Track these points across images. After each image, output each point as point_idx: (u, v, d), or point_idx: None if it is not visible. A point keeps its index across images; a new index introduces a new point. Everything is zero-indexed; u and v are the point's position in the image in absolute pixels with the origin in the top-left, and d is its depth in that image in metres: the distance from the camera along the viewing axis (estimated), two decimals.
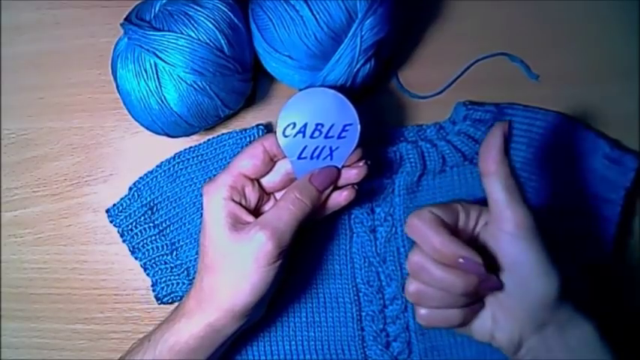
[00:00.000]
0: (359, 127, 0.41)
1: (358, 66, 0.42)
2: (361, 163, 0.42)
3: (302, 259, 0.47)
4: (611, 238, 0.46)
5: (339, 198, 0.43)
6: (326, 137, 0.41)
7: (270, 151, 0.42)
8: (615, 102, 0.48)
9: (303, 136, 0.41)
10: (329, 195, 0.42)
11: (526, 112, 0.47)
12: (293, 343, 0.48)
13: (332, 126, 0.41)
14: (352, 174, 0.42)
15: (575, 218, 0.46)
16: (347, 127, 0.41)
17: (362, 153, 0.42)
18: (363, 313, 0.47)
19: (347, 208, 0.47)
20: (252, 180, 0.42)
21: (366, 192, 0.47)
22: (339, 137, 0.41)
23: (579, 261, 0.46)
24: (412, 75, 0.50)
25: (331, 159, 0.42)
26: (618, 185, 0.46)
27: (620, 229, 0.46)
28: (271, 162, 0.43)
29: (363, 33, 0.41)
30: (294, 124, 0.41)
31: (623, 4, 0.48)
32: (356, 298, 0.47)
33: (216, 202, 0.41)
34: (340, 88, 0.42)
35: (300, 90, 0.42)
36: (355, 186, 0.43)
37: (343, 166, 0.42)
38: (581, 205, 0.46)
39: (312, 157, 0.42)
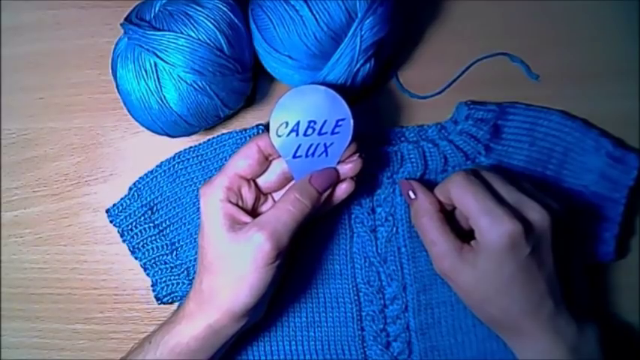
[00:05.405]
0: (352, 121, 0.41)
1: (358, 66, 0.42)
2: (355, 157, 0.42)
3: (302, 259, 0.47)
4: (614, 237, 0.46)
5: (339, 192, 0.42)
6: (319, 134, 0.41)
7: (265, 151, 0.42)
8: (615, 101, 0.48)
9: (297, 134, 0.41)
10: (330, 195, 0.42)
11: (528, 111, 0.47)
12: (293, 343, 0.48)
13: (325, 122, 0.41)
14: (347, 168, 0.42)
15: (578, 217, 0.46)
16: (340, 123, 0.41)
17: (357, 147, 0.42)
18: (364, 313, 0.47)
19: (347, 208, 0.47)
20: (248, 180, 0.42)
21: (367, 192, 0.47)
22: (332, 133, 0.41)
23: (582, 261, 0.46)
24: (412, 75, 0.50)
25: (326, 155, 0.42)
26: (621, 184, 0.46)
27: (622, 228, 0.46)
28: (266, 161, 0.43)
29: (362, 33, 0.41)
30: (287, 123, 0.41)
31: (623, 4, 0.48)
32: (356, 298, 0.47)
33: (213, 204, 0.41)
34: (340, 88, 0.42)
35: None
36: (354, 178, 0.43)
37: (339, 162, 0.42)
38: (584, 205, 0.46)
39: (307, 155, 0.42)
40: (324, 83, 0.43)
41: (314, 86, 0.41)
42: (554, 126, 0.46)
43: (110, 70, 0.45)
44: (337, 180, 0.42)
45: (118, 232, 0.49)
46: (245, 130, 0.48)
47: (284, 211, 0.40)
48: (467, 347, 0.46)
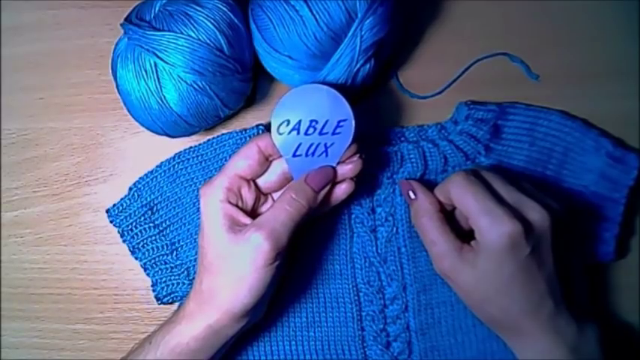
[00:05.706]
0: (353, 122, 0.41)
1: (358, 66, 0.42)
2: (355, 158, 0.42)
3: (302, 259, 0.47)
4: (614, 237, 0.46)
5: (338, 192, 0.42)
6: (320, 134, 0.41)
7: (265, 151, 0.42)
8: (615, 101, 0.48)
9: (298, 133, 0.41)
10: (328, 193, 0.42)
11: (528, 110, 0.47)
12: (293, 343, 0.48)
13: (326, 122, 0.41)
14: (347, 169, 0.42)
15: (578, 217, 0.46)
16: (341, 123, 0.41)
17: (357, 149, 0.42)
18: (364, 313, 0.47)
19: (347, 208, 0.47)
20: (248, 181, 0.42)
21: (367, 192, 0.47)
22: (333, 133, 0.41)
23: (581, 261, 0.46)
24: (412, 75, 0.50)
25: (326, 155, 0.42)
26: (621, 184, 0.46)
27: (622, 228, 0.46)
28: (266, 162, 0.43)
29: (362, 33, 0.41)
30: (288, 122, 0.41)
31: (623, 4, 0.48)
32: (356, 298, 0.47)
33: (213, 204, 0.41)
34: (340, 88, 0.42)
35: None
36: (354, 178, 0.42)
37: (339, 163, 0.42)
38: (584, 205, 0.46)
39: (307, 155, 0.42)
40: (324, 83, 0.43)
41: (317, 86, 0.41)
42: (554, 126, 0.46)
43: (110, 70, 0.45)
44: (334, 178, 0.42)
45: (118, 232, 0.49)
46: (245, 130, 0.48)
47: (281, 210, 0.40)
48: (467, 347, 0.46)
